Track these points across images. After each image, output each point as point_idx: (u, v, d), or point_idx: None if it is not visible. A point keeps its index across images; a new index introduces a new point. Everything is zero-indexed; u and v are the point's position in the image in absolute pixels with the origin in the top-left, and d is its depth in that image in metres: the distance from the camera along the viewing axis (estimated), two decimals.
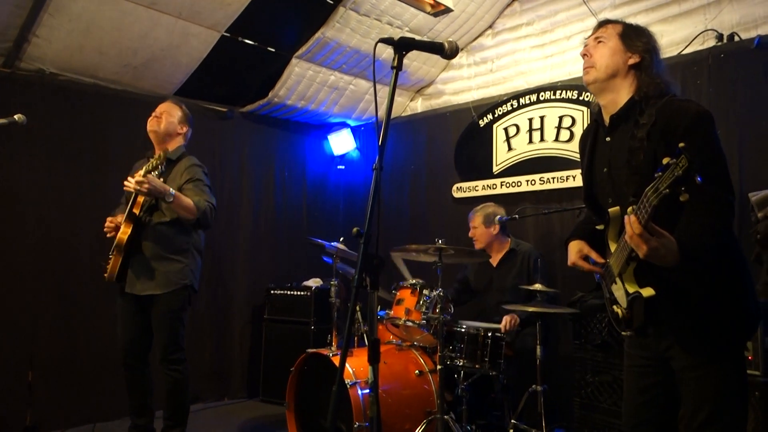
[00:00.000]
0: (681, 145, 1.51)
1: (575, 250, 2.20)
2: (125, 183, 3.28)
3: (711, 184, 1.50)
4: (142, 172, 3.21)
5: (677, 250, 1.71)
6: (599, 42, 2.10)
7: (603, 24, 2.15)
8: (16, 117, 3.09)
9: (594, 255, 2.13)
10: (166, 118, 3.60)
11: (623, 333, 2.04)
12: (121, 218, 3.48)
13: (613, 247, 1.99)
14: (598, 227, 2.15)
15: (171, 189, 3.28)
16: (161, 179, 3.31)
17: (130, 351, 3.55)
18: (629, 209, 1.71)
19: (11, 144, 4.09)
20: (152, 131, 3.60)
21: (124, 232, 3.36)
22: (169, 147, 3.61)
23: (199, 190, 3.48)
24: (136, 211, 3.38)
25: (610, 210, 1.96)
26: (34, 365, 4.17)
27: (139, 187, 3.16)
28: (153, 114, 3.64)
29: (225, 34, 4.48)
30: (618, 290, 1.98)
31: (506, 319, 3.79)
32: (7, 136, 3.85)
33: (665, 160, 1.54)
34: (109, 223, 3.53)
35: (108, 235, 3.53)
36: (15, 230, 4.18)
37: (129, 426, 3.63)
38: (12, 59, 4.09)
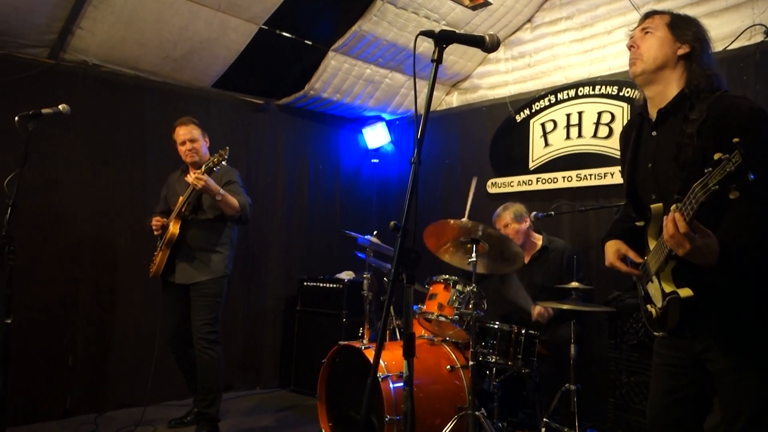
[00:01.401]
0: (735, 140, 1.45)
1: (613, 250, 2.15)
2: (186, 178, 3.74)
3: (759, 185, 1.45)
4: (203, 169, 3.62)
5: (718, 251, 1.66)
6: (646, 33, 2.02)
7: (650, 15, 2.07)
8: (60, 107, 3.17)
9: (632, 254, 2.08)
10: (197, 146, 3.94)
11: (656, 333, 1.99)
12: (165, 220, 3.89)
13: (652, 244, 1.94)
14: (638, 224, 2.10)
15: (220, 188, 3.69)
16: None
17: (178, 337, 3.95)
18: (672, 207, 1.66)
19: (54, 133, 4.18)
20: (193, 163, 3.94)
21: (175, 229, 3.78)
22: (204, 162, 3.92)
23: (238, 191, 3.89)
24: (185, 210, 3.80)
25: (652, 207, 1.90)
26: (75, 350, 4.29)
27: (197, 183, 3.57)
28: (182, 146, 3.93)
29: (263, 26, 4.51)
30: (654, 289, 1.94)
31: (538, 310, 3.81)
32: (50, 126, 3.94)
33: (716, 156, 1.47)
34: (156, 222, 3.88)
35: (156, 233, 3.90)
36: (55, 219, 4.28)
37: (193, 403, 4.04)
38: (57, 51, 4.19)
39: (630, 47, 2.06)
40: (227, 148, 3.64)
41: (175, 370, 4.08)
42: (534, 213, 4.04)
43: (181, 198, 3.80)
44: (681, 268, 1.82)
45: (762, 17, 3.76)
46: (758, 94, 3.62)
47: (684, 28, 2.00)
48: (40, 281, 4.18)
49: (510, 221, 4.09)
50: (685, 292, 1.78)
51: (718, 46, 3.84)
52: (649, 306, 1.98)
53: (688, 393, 1.99)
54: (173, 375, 4.17)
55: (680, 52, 1.98)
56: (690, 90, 1.93)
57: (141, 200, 4.57)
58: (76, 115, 3.62)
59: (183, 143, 3.93)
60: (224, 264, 3.91)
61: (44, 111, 3.14)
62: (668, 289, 1.85)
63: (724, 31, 3.88)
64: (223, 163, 3.68)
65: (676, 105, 1.96)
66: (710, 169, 1.50)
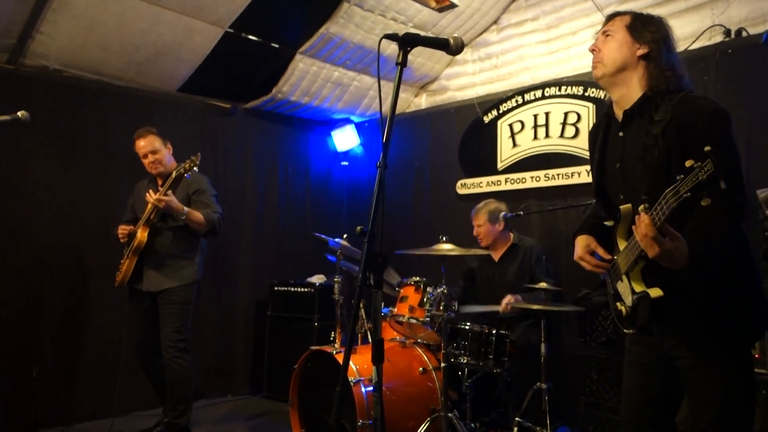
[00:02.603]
0: (707, 148, 1.47)
1: (583, 244, 2.16)
2: (146, 197, 3.66)
3: (726, 189, 1.47)
4: (165, 187, 3.63)
5: (687, 253, 1.68)
6: (607, 36, 2.06)
7: (612, 17, 2.11)
8: (19, 114, 3.09)
9: (601, 251, 2.09)
10: (159, 156, 3.90)
11: (626, 331, 2.01)
12: (131, 227, 3.81)
13: (622, 244, 1.96)
14: (606, 223, 2.12)
15: (184, 208, 3.67)
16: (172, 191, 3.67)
17: (145, 347, 3.87)
18: (640, 207, 1.68)
19: (14, 140, 4.08)
20: (158, 174, 3.89)
21: (143, 236, 3.72)
22: (170, 170, 3.83)
23: (208, 201, 3.87)
24: (153, 217, 3.75)
25: (621, 207, 1.92)
26: (39, 361, 4.18)
27: (157, 204, 3.58)
28: (144, 158, 3.87)
29: (228, 30, 4.46)
30: (624, 288, 1.96)
31: (506, 299, 3.80)
32: (10, 133, 3.84)
33: (688, 163, 1.49)
34: (122, 230, 3.81)
35: (122, 241, 3.82)
36: (18, 226, 4.17)
37: (162, 413, 3.95)
38: (16, 55, 4.08)
39: (592, 51, 2.10)
40: (198, 154, 3.61)
41: (144, 380, 3.99)
42: (503, 213, 4.07)
43: (149, 205, 3.73)
44: (650, 268, 1.84)
45: (721, 18, 3.84)
46: (719, 94, 3.68)
47: (643, 29, 2.02)
48: (1, 291, 4.07)
49: (484, 222, 4.13)
50: (656, 292, 1.81)
51: (679, 47, 3.86)
52: (618, 304, 2.00)
53: (660, 389, 2.01)
54: (142, 385, 4.09)
55: (639, 52, 2.00)
56: (653, 92, 1.95)
57: (106, 208, 4.48)
58: (38, 122, 3.53)
59: (145, 156, 3.86)
60: (194, 270, 3.87)
61: (1, 118, 3.05)
62: (638, 288, 1.87)
63: (686, 32, 3.95)
64: (195, 169, 3.64)
65: (640, 106, 1.98)
66: (682, 176, 1.51)
